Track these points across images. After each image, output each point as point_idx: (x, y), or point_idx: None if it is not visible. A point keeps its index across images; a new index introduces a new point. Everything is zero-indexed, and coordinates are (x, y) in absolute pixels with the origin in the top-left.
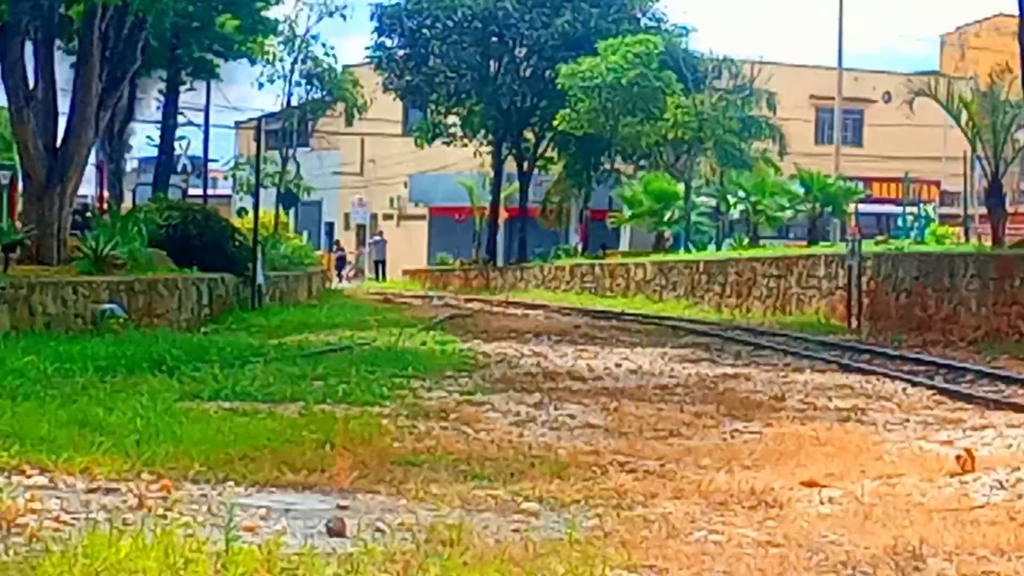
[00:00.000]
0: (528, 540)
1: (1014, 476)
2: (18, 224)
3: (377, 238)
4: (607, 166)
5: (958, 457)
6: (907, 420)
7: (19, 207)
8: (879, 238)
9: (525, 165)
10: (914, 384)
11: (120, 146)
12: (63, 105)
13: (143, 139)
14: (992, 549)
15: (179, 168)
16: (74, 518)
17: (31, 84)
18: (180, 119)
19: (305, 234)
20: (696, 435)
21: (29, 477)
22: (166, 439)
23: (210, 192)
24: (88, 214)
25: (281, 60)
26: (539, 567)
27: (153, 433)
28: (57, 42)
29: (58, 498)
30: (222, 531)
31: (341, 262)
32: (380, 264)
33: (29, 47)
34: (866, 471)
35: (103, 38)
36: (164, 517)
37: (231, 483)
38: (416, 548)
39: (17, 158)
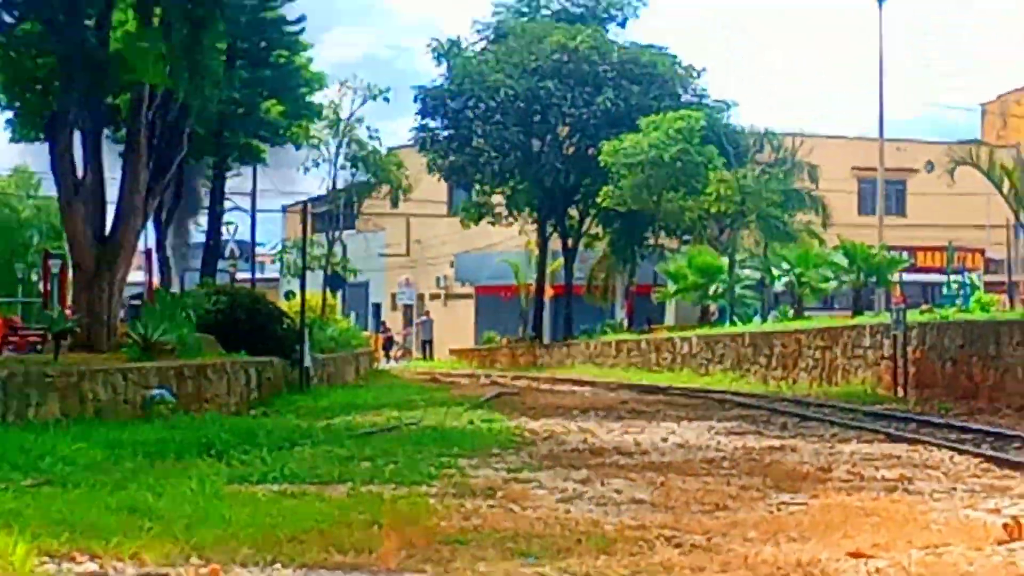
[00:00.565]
0: None
1: None
2: (68, 312)
3: (424, 318)
4: (651, 241)
5: (1005, 525)
6: (954, 489)
7: (69, 295)
8: (924, 307)
9: (569, 242)
10: (961, 452)
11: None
12: (111, 193)
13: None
14: None
15: (226, 253)
16: None
17: (80, 173)
18: (227, 204)
19: (352, 315)
20: (742, 508)
21: (79, 564)
22: (215, 523)
23: (257, 276)
24: (138, 301)
25: (326, 144)
26: None
27: (202, 517)
28: (105, 131)
29: None
30: None
31: (388, 342)
32: (427, 344)
33: (77, 136)
34: (913, 541)
35: (150, 126)
36: None
37: (279, 565)
38: None
39: (67, 247)
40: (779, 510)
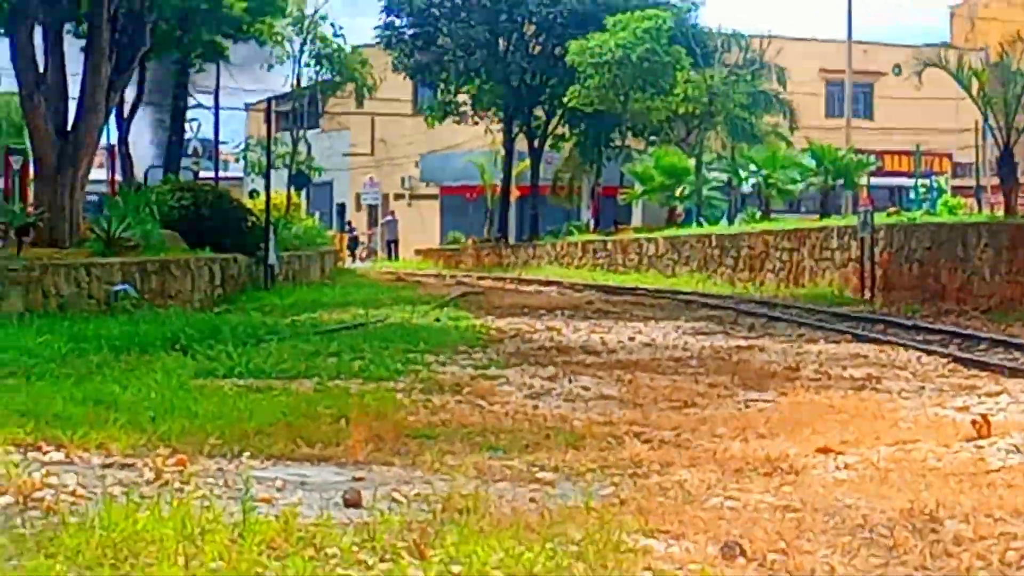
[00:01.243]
0: (544, 508)
1: None
2: (30, 208)
3: (389, 218)
4: (618, 142)
5: (973, 422)
6: (922, 388)
7: (31, 191)
8: (891, 210)
9: (536, 143)
10: (928, 353)
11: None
12: (73, 89)
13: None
14: (1009, 511)
15: (190, 151)
16: (90, 492)
17: (41, 68)
18: (190, 101)
19: (317, 215)
20: (711, 405)
21: (45, 453)
22: (181, 415)
23: (221, 174)
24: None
25: (290, 41)
26: (556, 533)
27: (168, 409)
28: (66, 26)
29: (74, 473)
30: (238, 503)
31: (353, 242)
32: (392, 244)
33: (38, 31)
34: (881, 437)
35: (112, 20)
36: (180, 490)
37: (246, 457)
38: (433, 517)
39: (28, 142)
40: (747, 407)
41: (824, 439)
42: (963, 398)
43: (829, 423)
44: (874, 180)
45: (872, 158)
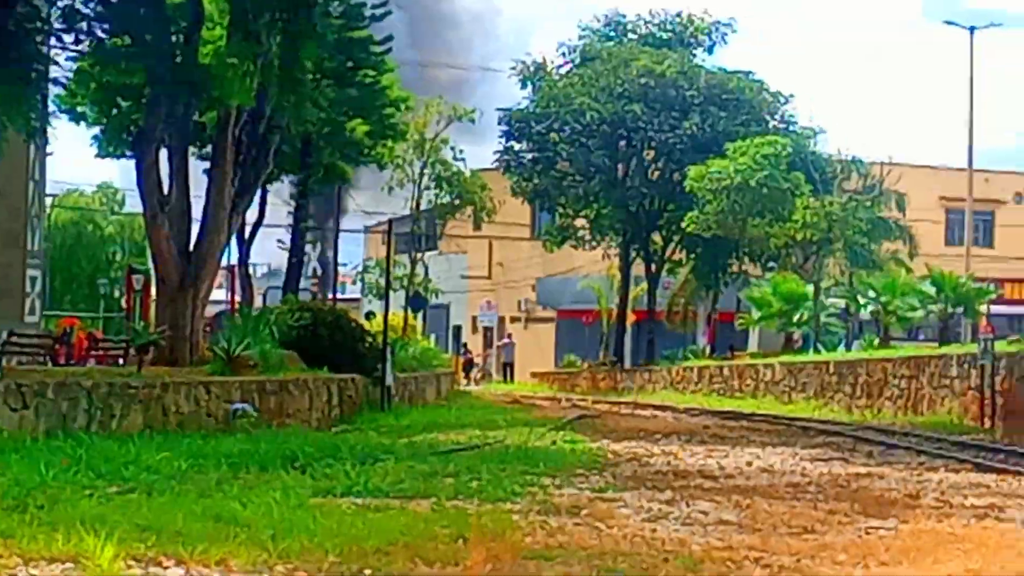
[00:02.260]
0: None
1: None
2: (152, 327)
3: (506, 340)
4: (735, 268)
5: None
6: None
7: (151, 310)
8: (1012, 338)
9: (653, 267)
10: None
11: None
12: (196, 210)
13: (273, 243)
14: None
15: (309, 272)
16: None
17: (165, 190)
18: (310, 223)
19: (433, 337)
20: (830, 531)
21: (165, 568)
22: (300, 533)
23: (339, 296)
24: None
25: (410, 164)
26: None
27: (287, 527)
28: (191, 148)
29: None
30: None
31: (469, 364)
32: (508, 366)
33: (163, 153)
34: (1006, 567)
35: (236, 144)
36: None
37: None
38: None
39: (151, 262)
40: (868, 534)
41: (947, 568)
42: None
43: (952, 552)
44: (994, 308)
45: (992, 286)
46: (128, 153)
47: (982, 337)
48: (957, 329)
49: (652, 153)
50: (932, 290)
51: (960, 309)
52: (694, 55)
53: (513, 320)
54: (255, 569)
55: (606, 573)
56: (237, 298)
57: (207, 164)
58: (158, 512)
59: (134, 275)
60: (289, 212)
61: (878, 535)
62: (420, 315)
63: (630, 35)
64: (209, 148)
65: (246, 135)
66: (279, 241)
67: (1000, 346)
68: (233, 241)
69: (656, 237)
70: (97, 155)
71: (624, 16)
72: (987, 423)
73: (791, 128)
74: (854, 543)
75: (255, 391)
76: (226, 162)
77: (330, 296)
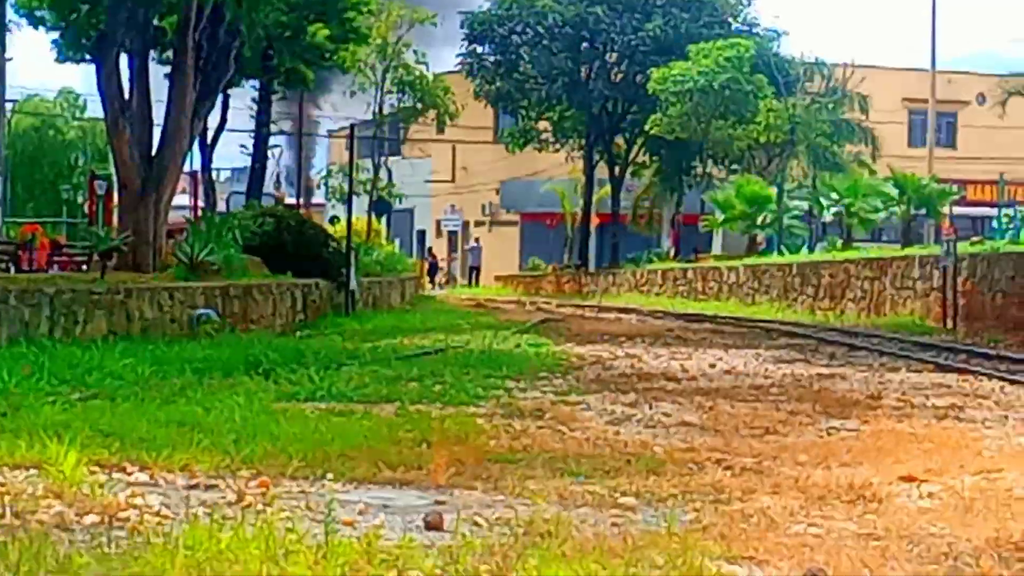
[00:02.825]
0: (626, 533)
1: None
2: (114, 232)
3: (473, 244)
4: (699, 170)
5: None
6: (1006, 417)
7: (114, 217)
8: (974, 239)
9: (616, 170)
10: (1012, 382)
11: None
12: (157, 116)
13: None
14: None
15: (272, 177)
16: (174, 513)
17: (126, 95)
18: (273, 128)
19: (397, 241)
20: (792, 433)
21: (129, 474)
22: (264, 438)
23: (302, 200)
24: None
25: (373, 69)
26: (638, 558)
27: (251, 432)
28: (151, 54)
29: (158, 494)
30: (321, 525)
31: (433, 268)
32: (475, 270)
33: (124, 59)
34: (966, 466)
35: (197, 48)
36: (263, 512)
37: (329, 480)
38: (515, 541)
39: (113, 168)
40: (829, 435)
41: (907, 467)
42: None
43: (912, 452)
44: (957, 209)
45: (955, 187)
46: (88, 58)
47: (944, 238)
48: (920, 231)
49: (615, 55)
50: (895, 192)
51: (923, 210)
52: None
53: (477, 224)
54: (218, 474)
55: (569, 476)
56: (200, 204)
57: (168, 69)
58: (122, 418)
59: (96, 181)
60: (251, 117)
61: (839, 436)
62: (384, 220)
63: None
64: (170, 53)
65: (206, 40)
66: (241, 146)
67: (962, 247)
68: (196, 147)
69: (619, 140)
70: (57, 60)
71: None
72: (949, 324)
73: (754, 30)
74: (815, 443)
75: (219, 297)
76: (187, 66)
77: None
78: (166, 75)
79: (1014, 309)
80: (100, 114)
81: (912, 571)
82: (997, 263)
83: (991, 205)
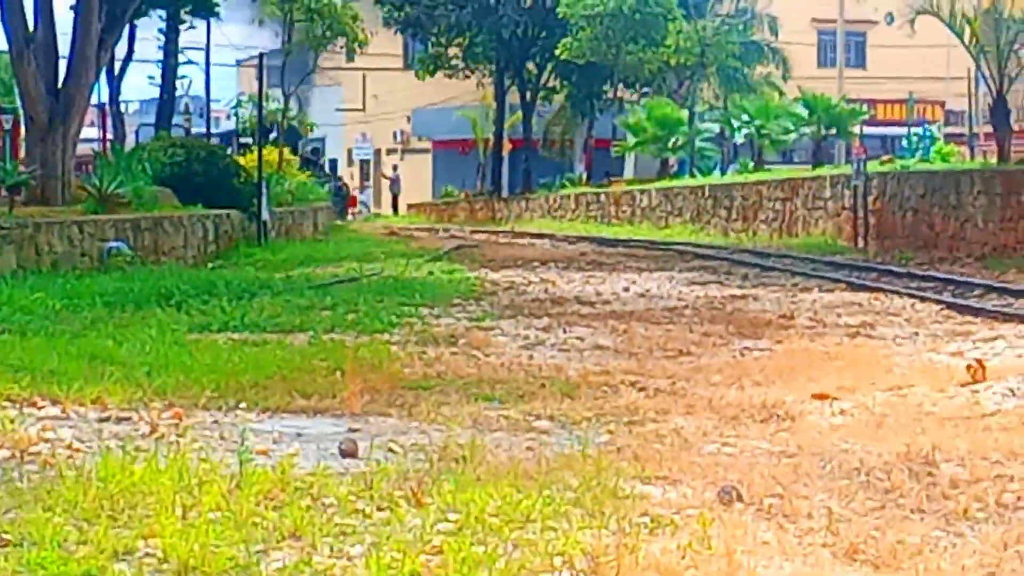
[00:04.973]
0: (541, 456)
1: None
2: (22, 166)
3: (394, 174)
4: (610, 94)
5: (969, 367)
6: (916, 334)
7: (22, 150)
8: (884, 158)
9: (528, 96)
10: (923, 300)
11: None
12: (63, 47)
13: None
14: (1004, 453)
15: (181, 107)
16: (87, 446)
17: (31, 26)
18: (181, 58)
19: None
20: (706, 354)
21: (41, 408)
22: (176, 369)
23: (213, 131)
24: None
25: None
26: (553, 481)
27: (163, 364)
28: None
29: (70, 427)
30: (235, 455)
31: (339, 195)
32: (396, 198)
33: None
34: (877, 383)
35: None
36: (177, 443)
37: (242, 409)
38: (429, 466)
39: (19, 101)
40: (742, 355)
41: (820, 386)
42: (958, 344)
43: (824, 370)
44: (867, 129)
45: (865, 107)
46: None
47: (855, 158)
48: (830, 151)
49: None
50: (805, 112)
51: (833, 131)
52: None
53: (389, 152)
54: (131, 406)
55: (483, 400)
56: (109, 136)
57: (73, 1)
58: (32, 352)
59: (2, 115)
60: (159, 47)
61: (753, 356)
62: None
63: None
64: None
65: None
66: (150, 77)
67: (873, 167)
68: (103, 78)
69: (530, 65)
70: None
71: None
72: (860, 243)
73: None
74: (729, 364)
75: (129, 229)
76: None
77: (203, 132)
78: (71, 6)
79: (924, 227)
80: (4, 46)
81: (824, 487)
82: (907, 182)
83: (901, 124)
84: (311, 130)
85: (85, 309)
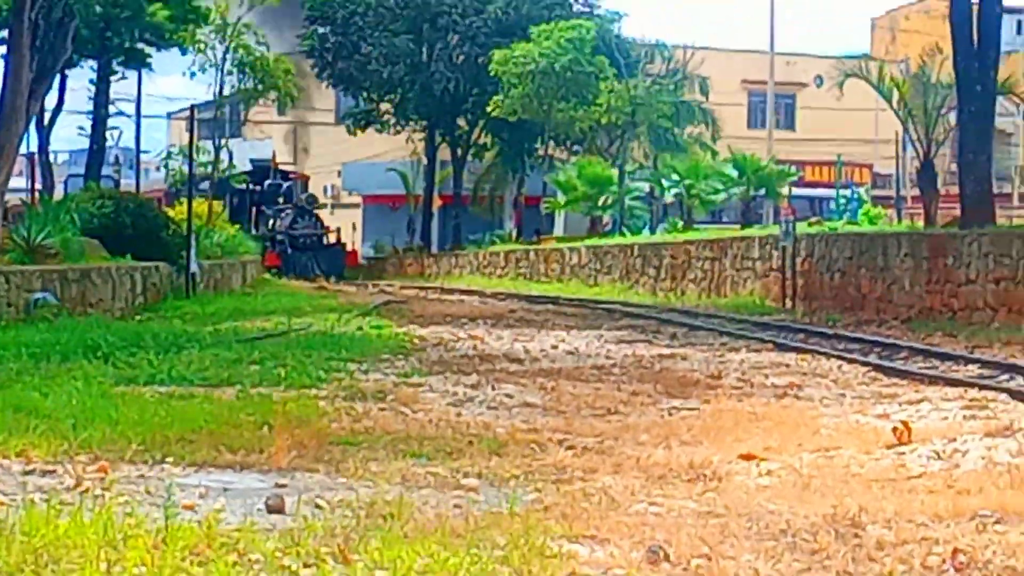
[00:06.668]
0: (469, 514)
1: (950, 447)
2: None
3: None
4: (541, 152)
5: (894, 429)
6: (843, 395)
7: None
8: (812, 220)
9: (459, 152)
10: (849, 361)
11: None
12: None
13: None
14: (930, 516)
15: (111, 159)
16: (11, 499)
17: None
18: (111, 109)
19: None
20: (634, 413)
21: None
22: (102, 422)
23: (142, 183)
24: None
25: (213, 49)
26: (480, 539)
27: (89, 416)
28: None
29: None
30: (161, 509)
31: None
32: None
33: None
34: (804, 444)
35: (33, 27)
36: (102, 497)
37: (168, 464)
38: (356, 523)
39: None
40: (670, 415)
41: (747, 446)
42: (884, 406)
43: (752, 430)
44: (796, 191)
45: (794, 168)
46: None
47: (783, 219)
48: (759, 211)
49: (456, 37)
50: (734, 173)
51: (762, 191)
52: None
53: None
54: (56, 459)
55: (411, 457)
56: (38, 186)
57: (3, 50)
58: None
59: None
60: (90, 98)
61: (680, 415)
62: (226, 201)
63: None
64: (4, 32)
65: (43, 19)
66: (80, 128)
67: (801, 228)
68: (32, 128)
69: (461, 121)
70: None
71: None
72: (788, 303)
73: (595, 12)
74: (656, 423)
75: (56, 280)
76: (23, 46)
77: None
78: (1, 56)
79: (851, 289)
80: None
81: (751, 548)
82: (835, 243)
83: (829, 186)
84: (242, 183)
85: (10, 360)
